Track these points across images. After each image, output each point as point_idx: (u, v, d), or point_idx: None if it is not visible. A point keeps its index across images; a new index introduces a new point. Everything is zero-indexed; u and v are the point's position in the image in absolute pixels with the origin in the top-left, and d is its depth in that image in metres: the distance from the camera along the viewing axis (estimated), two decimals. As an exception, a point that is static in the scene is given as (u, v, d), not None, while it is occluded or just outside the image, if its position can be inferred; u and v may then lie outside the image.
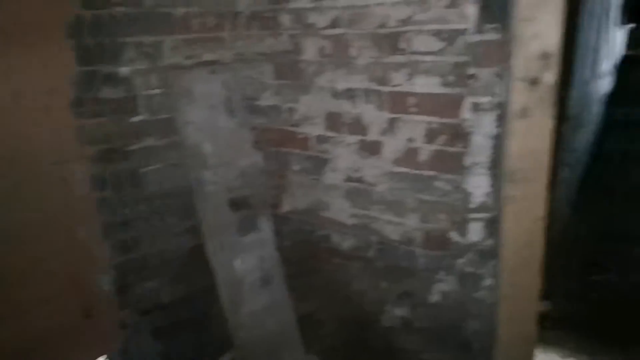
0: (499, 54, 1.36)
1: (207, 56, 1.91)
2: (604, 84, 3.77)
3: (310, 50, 1.85)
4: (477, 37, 1.46)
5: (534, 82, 1.21)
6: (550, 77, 1.21)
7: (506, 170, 1.31)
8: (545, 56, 1.19)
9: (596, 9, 3.04)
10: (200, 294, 1.98)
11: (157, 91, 1.80)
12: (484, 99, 1.47)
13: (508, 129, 1.28)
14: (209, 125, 1.84)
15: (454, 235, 1.69)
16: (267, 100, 2.04)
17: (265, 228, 2.01)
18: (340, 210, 1.96)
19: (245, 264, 1.91)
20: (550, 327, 2.90)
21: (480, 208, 1.58)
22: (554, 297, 3.09)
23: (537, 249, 1.32)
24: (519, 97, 1.23)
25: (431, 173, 1.69)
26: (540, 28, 1.16)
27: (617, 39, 3.96)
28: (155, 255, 1.88)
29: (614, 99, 3.87)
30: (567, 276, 3.24)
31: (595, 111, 3.67)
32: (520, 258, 1.36)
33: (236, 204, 1.91)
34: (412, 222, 1.78)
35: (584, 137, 3.44)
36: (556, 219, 3.10)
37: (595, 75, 3.37)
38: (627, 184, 3.79)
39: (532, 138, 1.24)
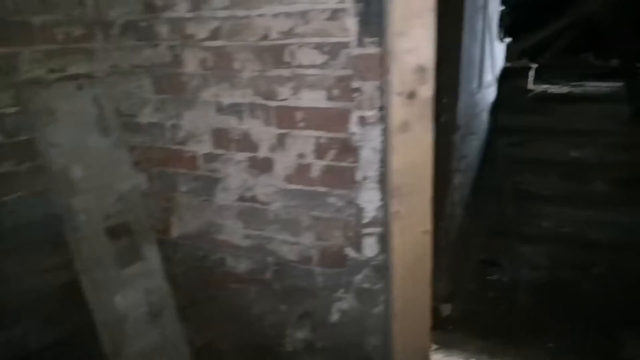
0: (380, 67, 1.35)
1: (74, 69, 1.71)
2: (489, 93, 4.04)
3: (191, 62, 1.73)
4: (359, 51, 1.43)
5: (411, 96, 1.20)
6: (426, 90, 1.21)
7: (391, 185, 1.29)
8: (420, 70, 1.19)
9: (477, 25, 3.23)
10: (76, 336, 1.75)
11: (12, 110, 1.57)
12: (370, 113, 1.45)
13: (390, 144, 1.26)
14: (77, 147, 1.64)
15: (350, 252, 1.66)
16: (147, 116, 1.88)
17: (152, 256, 1.83)
18: (234, 231, 1.84)
19: (129, 299, 1.72)
20: (452, 330, 3.00)
21: (373, 223, 1.56)
22: (455, 299, 3.21)
23: (426, 263, 1.31)
24: (398, 111, 1.22)
25: (324, 189, 1.64)
26: (413, 42, 1.16)
27: (499, 52, 4.26)
28: (18, 298, 1.63)
29: (497, 107, 4.16)
30: (465, 277, 3.39)
31: (483, 119, 3.92)
32: (410, 273, 1.34)
33: (115, 233, 1.72)
34: (307, 240, 1.71)
35: (473, 143, 3.64)
36: (452, 223, 3.25)
37: (481, 86, 3.59)
38: (512, 185, 4.07)
39: (413, 152, 1.24)
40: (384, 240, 1.50)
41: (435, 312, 3.16)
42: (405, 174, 1.25)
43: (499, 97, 4.22)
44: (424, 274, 1.36)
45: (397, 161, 1.26)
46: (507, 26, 4.07)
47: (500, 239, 3.72)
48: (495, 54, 4.01)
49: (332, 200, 1.63)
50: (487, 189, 3.98)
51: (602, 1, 5.75)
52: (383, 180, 1.40)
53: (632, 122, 4.08)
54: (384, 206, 1.43)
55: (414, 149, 1.24)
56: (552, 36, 6.89)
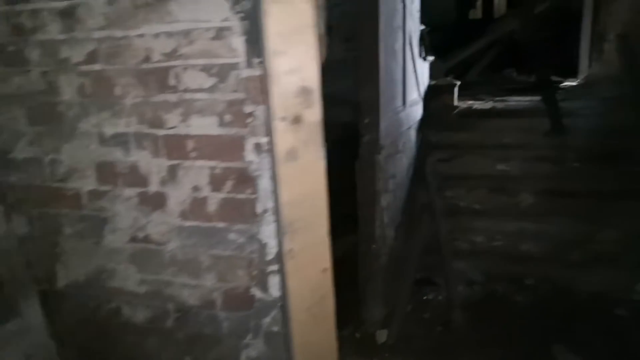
0: (263, 91, 1.23)
1: None
2: (416, 111, 4.05)
3: (67, 89, 1.53)
4: (248, 72, 1.30)
5: (296, 120, 1.08)
6: (313, 114, 1.09)
7: (282, 221, 1.16)
8: (304, 92, 1.07)
9: (397, 44, 3.23)
10: None
11: None
12: (264, 139, 1.32)
13: (277, 174, 1.13)
14: None
15: (256, 292, 1.50)
16: (22, 151, 1.65)
17: (31, 312, 1.59)
18: (128, 277, 1.64)
19: (-1, 366, 1.47)
20: (388, 357, 2.89)
21: (277, 259, 1.41)
22: (391, 324, 3.12)
23: (328, 304, 1.18)
24: (283, 138, 1.09)
25: (223, 224, 1.48)
26: (295, 62, 1.05)
27: (423, 71, 4.30)
28: None
29: (424, 124, 4.18)
30: (401, 299, 3.31)
31: (410, 137, 3.91)
32: (311, 316, 1.21)
33: (-20, 289, 1.47)
34: (209, 282, 1.54)
35: (402, 162, 3.61)
36: (384, 245, 3.17)
37: (405, 104, 3.58)
38: (443, 202, 4.07)
39: (304, 182, 1.11)
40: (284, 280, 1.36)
41: (371, 339, 3.06)
42: (296, 207, 1.12)
43: (426, 115, 4.24)
44: (326, 316, 1.22)
45: (286, 193, 1.13)
46: (430, 45, 4.12)
47: (434, 257, 3.68)
48: (419, 73, 4.04)
49: (232, 236, 1.47)
50: (419, 207, 3.95)
51: (519, 20, 6.04)
52: (277, 215, 1.27)
53: (552, 134, 4.22)
54: (279, 244, 1.29)
55: (304, 179, 1.11)
56: (476, 54, 7.17)
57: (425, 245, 3.75)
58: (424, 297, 3.52)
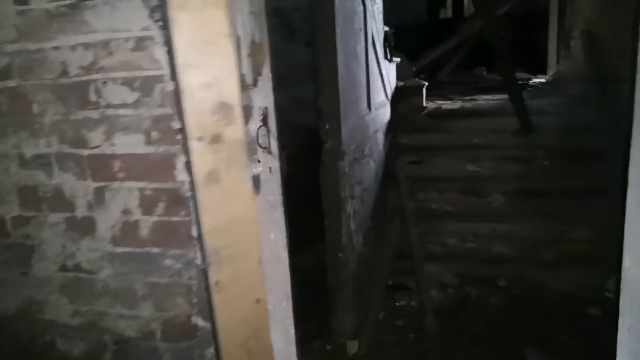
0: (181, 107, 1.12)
1: None
2: (383, 114, 3.98)
3: (-19, 108, 1.40)
4: (173, 85, 1.20)
5: (215, 140, 0.98)
6: (235, 132, 0.99)
7: (206, 250, 1.06)
8: (223, 108, 0.97)
9: (358, 47, 3.15)
10: None
11: None
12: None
13: (198, 199, 1.03)
14: None
15: (198, 321, 1.39)
16: (-62, 177, 1.51)
17: (-48, 352, 1.45)
18: (59, 308, 1.51)
19: None
20: (359, 369, 2.81)
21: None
22: (363, 334, 3.03)
23: (264, 336, 1.08)
24: (202, 159, 0.99)
25: (157, 250, 1.36)
26: (210, 75, 0.95)
27: (390, 73, 4.24)
28: None
29: (393, 127, 4.11)
30: (373, 307, 3.23)
31: (378, 141, 3.84)
32: (245, 351, 1.11)
33: None
34: (146, 312, 1.42)
35: (369, 167, 3.53)
36: (352, 253, 3.08)
37: (371, 107, 3.51)
38: (415, 205, 4.02)
39: (229, 207, 1.01)
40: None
41: (342, 351, 2.97)
42: (221, 234, 1.02)
43: (395, 117, 4.18)
44: (263, 349, 1.12)
45: (208, 220, 1.03)
46: (394, 46, 4.06)
47: (406, 261, 3.61)
48: (386, 75, 3.97)
49: (168, 262, 1.36)
50: (390, 211, 3.89)
51: (484, 19, 6.02)
52: (201, 243, 1.17)
53: (521, 133, 4.20)
54: (204, 275, 1.19)
55: (229, 203, 1.01)
56: (447, 53, 7.16)
57: (397, 250, 3.69)
58: (397, 304, 3.45)
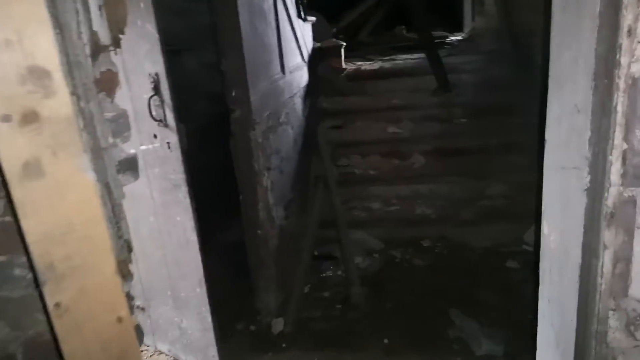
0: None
1: None
2: (299, 77, 3.76)
3: None
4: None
5: (28, 119, 0.73)
6: (59, 107, 0.74)
7: (36, 265, 0.82)
8: (36, 75, 0.72)
9: (265, 4, 2.87)
10: None
11: None
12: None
13: (14, 199, 0.78)
14: None
15: (68, 336, 1.15)
16: None
17: None
18: None
19: None
20: (285, 348, 2.68)
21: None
22: (288, 310, 2.90)
23: (134, 358, 0.87)
24: (13, 145, 0.74)
25: (3, 258, 1.09)
26: (10, 30, 0.68)
27: (306, 33, 3.99)
28: None
29: (311, 90, 3.91)
30: (298, 281, 3.10)
31: (296, 106, 3.63)
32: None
33: None
34: (1, 332, 1.16)
35: (287, 134, 3.33)
36: (272, 228, 2.91)
37: (285, 71, 3.27)
38: (338, 170, 3.90)
39: (63, 207, 0.77)
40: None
41: (267, 330, 2.83)
42: (55, 243, 0.79)
43: (313, 80, 3.97)
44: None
45: (33, 226, 0.78)
46: (310, 5, 3.81)
47: (331, 229, 3.50)
48: (300, 35, 3.72)
49: (18, 272, 1.09)
50: (313, 179, 3.73)
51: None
52: (27, 258, 0.92)
53: (438, 92, 4.16)
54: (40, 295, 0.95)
55: (63, 202, 0.78)
56: (367, 13, 6.99)
57: (322, 219, 3.57)
58: (323, 274, 3.36)
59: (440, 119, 4.09)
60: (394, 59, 4.88)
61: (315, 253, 3.44)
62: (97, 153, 0.99)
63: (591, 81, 0.84)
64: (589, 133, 0.87)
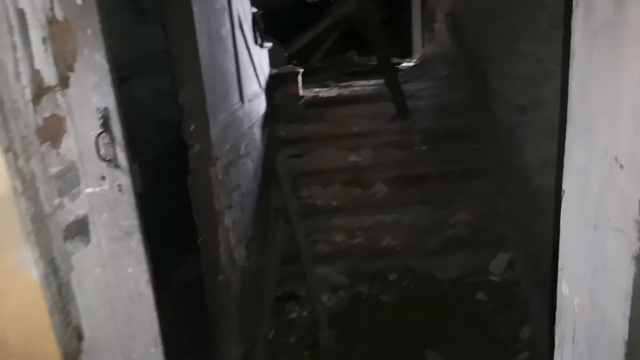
0: None
1: None
2: (258, 105, 3.59)
3: None
4: None
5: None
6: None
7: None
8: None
9: (223, 30, 2.70)
10: None
11: None
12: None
13: None
14: None
15: None
16: None
17: None
18: None
19: None
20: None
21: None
22: (253, 358, 2.67)
23: None
24: None
25: None
26: None
27: (263, 59, 3.85)
28: None
29: (269, 118, 3.75)
30: (262, 326, 2.88)
31: (255, 136, 3.44)
32: None
33: None
34: None
35: (247, 167, 3.13)
36: (234, 271, 2.68)
37: (244, 100, 3.09)
38: (299, 202, 3.73)
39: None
40: None
41: (231, 385, 2.58)
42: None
43: (271, 108, 3.81)
44: None
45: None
46: (265, 30, 3.66)
47: (294, 265, 3.32)
48: (257, 61, 3.57)
49: None
50: (273, 213, 3.54)
51: (356, 2, 5.90)
52: None
53: (398, 119, 4.12)
54: None
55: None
56: (318, 38, 6.95)
57: (284, 254, 3.37)
58: (288, 317, 3.14)
59: (400, 145, 4.04)
60: (350, 85, 4.82)
61: (279, 293, 3.22)
62: (39, 223, 0.78)
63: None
64: (640, 194, 0.76)
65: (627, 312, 0.82)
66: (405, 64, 6.05)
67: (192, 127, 2.24)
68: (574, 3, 0.93)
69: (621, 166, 0.81)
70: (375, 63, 5.21)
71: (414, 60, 6.31)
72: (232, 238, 2.60)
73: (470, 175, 3.78)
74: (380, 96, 4.34)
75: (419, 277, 3.41)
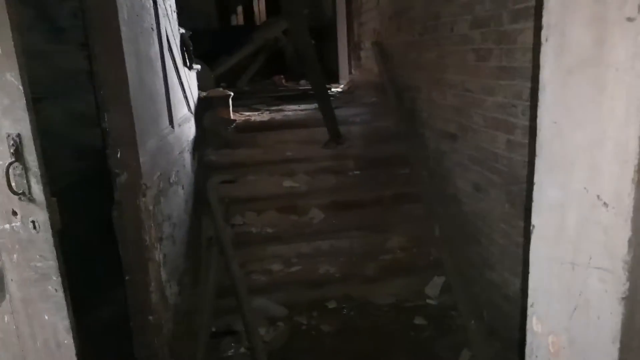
0: None
1: None
2: (188, 129, 3.40)
3: None
4: None
5: None
6: None
7: None
8: None
9: (152, 50, 2.52)
10: None
11: None
12: None
13: None
14: None
15: None
16: None
17: None
18: None
19: None
20: None
21: None
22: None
23: None
24: None
25: None
26: None
27: (192, 82, 3.68)
28: None
29: (199, 143, 3.57)
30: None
31: (186, 162, 3.25)
32: None
33: None
34: None
35: (177, 196, 2.92)
36: (166, 311, 2.45)
37: (174, 124, 2.90)
38: (232, 230, 3.56)
39: None
40: None
41: None
42: None
43: (201, 132, 3.63)
44: None
45: None
46: (193, 52, 3.51)
47: (230, 299, 3.12)
48: (187, 84, 3.39)
49: None
50: (205, 242, 3.33)
51: (282, 27, 5.90)
52: None
53: (331, 145, 4.11)
54: None
55: None
56: (245, 61, 6.87)
57: (219, 286, 3.17)
58: (225, 354, 2.93)
59: (334, 171, 4.03)
60: (282, 110, 4.77)
61: (214, 329, 3.01)
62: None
63: (634, 173, 0.72)
64: (629, 233, 0.74)
65: (615, 356, 0.80)
66: (334, 90, 6.14)
67: (118, 154, 2.03)
68: (542, 38, 0.93)
69: (605, 204, 0.79)
70: (304, 88, 5.21)
71: (342, 87, 6.42)
72: (164, 274, 2.39)
73: (404, 200, 3.84)
74: (313, 121, 4.32)
75: (358, 304, 3.36)
